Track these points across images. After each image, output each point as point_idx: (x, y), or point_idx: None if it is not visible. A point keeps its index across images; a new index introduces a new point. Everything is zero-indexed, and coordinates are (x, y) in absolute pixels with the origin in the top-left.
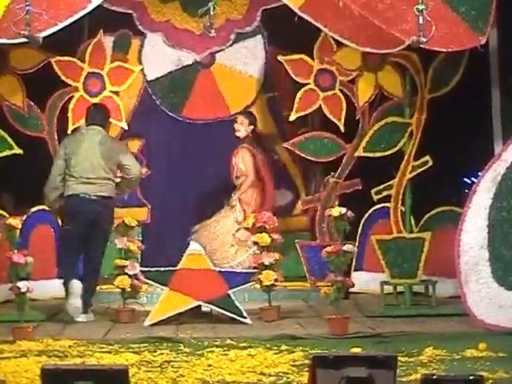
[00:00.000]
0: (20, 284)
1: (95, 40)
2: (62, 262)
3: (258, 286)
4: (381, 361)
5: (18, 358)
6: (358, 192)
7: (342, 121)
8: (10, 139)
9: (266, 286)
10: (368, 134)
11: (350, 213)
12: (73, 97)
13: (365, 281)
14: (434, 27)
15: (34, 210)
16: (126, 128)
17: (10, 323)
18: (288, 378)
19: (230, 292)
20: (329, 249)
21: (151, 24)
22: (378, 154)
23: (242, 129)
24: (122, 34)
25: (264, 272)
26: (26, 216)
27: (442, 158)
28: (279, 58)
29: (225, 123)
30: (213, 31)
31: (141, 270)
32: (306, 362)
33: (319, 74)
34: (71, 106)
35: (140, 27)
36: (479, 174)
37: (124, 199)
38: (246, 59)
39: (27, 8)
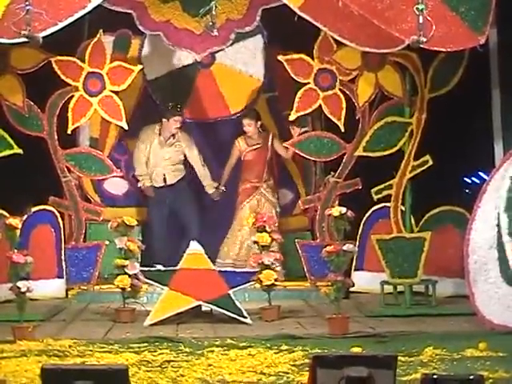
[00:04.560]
0: (20, 284)
1: (95, 40)
2: None
3: (258, 285)
4: (381, 360)
5: (19, 357)
6: (358, 192)
7: (342, 120)
8: (10, 139)
9: (266, 285)
10: (368, 133)
11: (350, 212)
12: (73, 96)
13: (365, 280)
14: (433, 27)
15: (34, 209)
16: (126, 128)
17: (10, 323)
18: (288, 377)
19: (230, 292)
20: (329, 248)
21: (151, 24)
22: (378, 154)
23: (252, 128)
24: (121, 33)
25: (264, 272)
26: (26, 216)
27: (442, 157)
28: (279, 57)
29: (225, 123)
30: (215, 30)
31: (141, 270)
32: (306, 361)
33: (319, 74)
34: (71, 105)
35: (140, 27)
36: (479, 173)
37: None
38: (246, 59)
39: (27, 7)
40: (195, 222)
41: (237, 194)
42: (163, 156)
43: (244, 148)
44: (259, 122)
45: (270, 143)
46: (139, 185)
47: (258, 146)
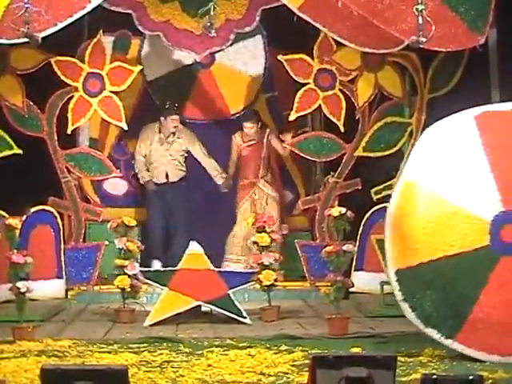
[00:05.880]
0: (19, 284)
1: (95, 40)
2: None
3: (257, 285)
4: (380, 361)
5: (18, 358)
6: (357, 192)
7: (342, 121)
8: (9, 139)
9: (266, 285)
10: (368, 133)
11: (349, 213)
12: (72, 97)
13: (365, 281)
14: (433, 27)
15: (33, 210)
16: (126, 128)
17: (9, 323)
18: (288, 378)
19: (229, 292)
20: (329, 249)
21: (151, 24)
22: (377, 154)
23: (254, 130)
24: (121, 34)
25: (264, 272)
26: (25, 216)
27: None
28: (279, 57)
29: (225, 123)
30: (213, 31)
31: (140, 270)
32: (306, 361)
33: (319, 74)
34: (71, 106)
35: (139, 27)
36: None
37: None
38: (245, 59)
39: (26, 6)
40: (187, 223)
41: (235, 192)
42: (164, 153)
43: (240, 144)
44: (260, 123)
45: (265, 139)
46: (141, 181)
47: (254, 142)
